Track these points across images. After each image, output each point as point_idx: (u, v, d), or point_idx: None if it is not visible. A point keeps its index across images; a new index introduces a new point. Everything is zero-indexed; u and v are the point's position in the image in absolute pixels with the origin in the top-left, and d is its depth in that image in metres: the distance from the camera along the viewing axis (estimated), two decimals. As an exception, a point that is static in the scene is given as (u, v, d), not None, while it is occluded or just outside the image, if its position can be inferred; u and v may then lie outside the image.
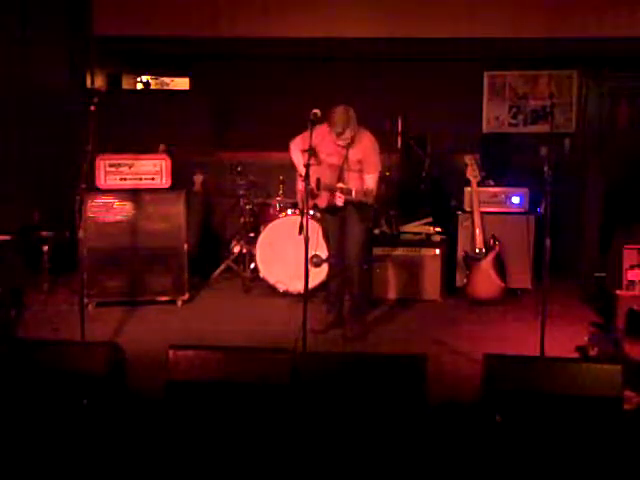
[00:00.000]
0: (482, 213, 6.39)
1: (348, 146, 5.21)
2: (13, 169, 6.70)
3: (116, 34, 8.06)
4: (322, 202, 5.34)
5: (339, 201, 5.15)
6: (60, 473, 3.08)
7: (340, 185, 5.14)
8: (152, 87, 9.67)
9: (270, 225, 6.58)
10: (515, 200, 6.63)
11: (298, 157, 5.35)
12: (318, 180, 5.12)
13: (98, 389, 3.24)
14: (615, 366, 3.20)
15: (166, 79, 9.85)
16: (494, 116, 8.80)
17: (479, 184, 6.45)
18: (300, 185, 5.39)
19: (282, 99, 8.46)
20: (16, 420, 3.22)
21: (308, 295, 4.72)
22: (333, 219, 5.45)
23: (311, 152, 4.82)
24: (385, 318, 6.03)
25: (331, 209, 5.34)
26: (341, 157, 5.25)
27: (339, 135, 5.13)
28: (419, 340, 5.44)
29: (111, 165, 6.12)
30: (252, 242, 6.76)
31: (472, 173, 6.40)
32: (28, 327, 5.35)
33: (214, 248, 7.53)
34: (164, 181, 6.20)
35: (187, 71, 9.22)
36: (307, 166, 4.69)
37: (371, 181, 5.25)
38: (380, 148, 5.41)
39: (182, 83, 9.58)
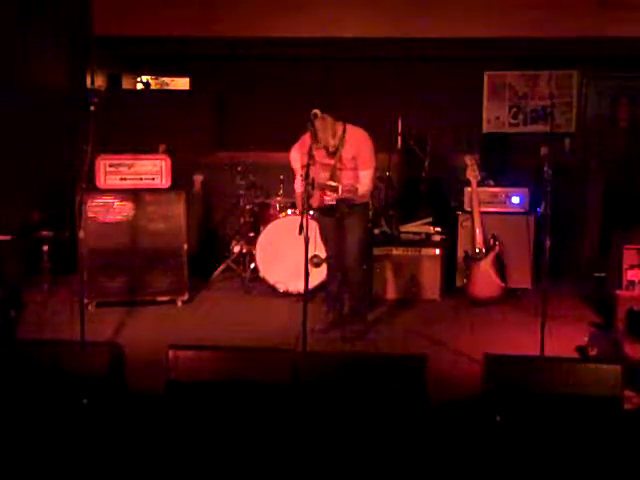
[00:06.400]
0: (482, 213, 6.38)
1: (339, 146, 5.17)
2: (13, 169, 6.69)
3: (116, 34, 8.08)
4: (315, 202, 5.25)
5: (327, 199, 5.13)
6: (60, 473, 3.08)
7: (328, 183, 5.12)
8: (152, 87, 9.67)
9: (270, 225, 6.58)
10: (515, 200, 6.62)
11: (297, 165, 5.32)
12: (313, 180, 5.10)
13: (98, 389, 3.24)
14: (615, 366, 3.20)
15: (166, 79, 9.85)
16: (494, 116, 8.80)
17: (479, 184, 6.44)
18: (297, 186, 5.39)
19: (282, 99, 8.47)
20: (16, 420, 3.22)
21: (308, 295, 4.72)
22: (329, 220, 5.40)
23: (311, 154, 4.81)
24: (385, 318, 6.02)
25: (326, 209, 5.32)
26: (334, 157, 5.21)
27: (327, 147, 5.12)
28: (419, 340, 5.44)
29: (111, 165, 6.12)
30: (252, 242, 6.75)
31: (472, 173, 6.38)
32: (28, 327, 5.35)
33: (214, 248, 7.53)
34: (164, 181, 6.20)
35: (187, 71, 9.23)
36: (307, 166, 4.67)
37: (366, 178, 5.23)
38: (380, 148, 5.38)
39: (182, 83, 9.58)
